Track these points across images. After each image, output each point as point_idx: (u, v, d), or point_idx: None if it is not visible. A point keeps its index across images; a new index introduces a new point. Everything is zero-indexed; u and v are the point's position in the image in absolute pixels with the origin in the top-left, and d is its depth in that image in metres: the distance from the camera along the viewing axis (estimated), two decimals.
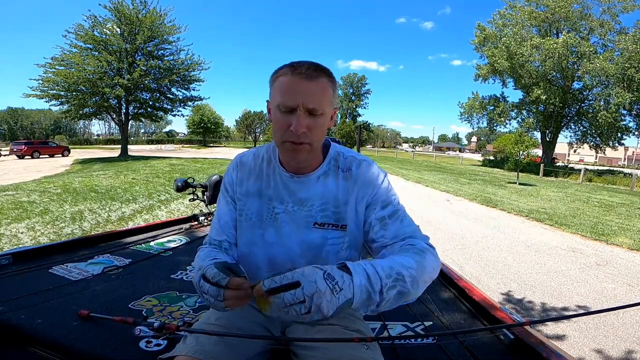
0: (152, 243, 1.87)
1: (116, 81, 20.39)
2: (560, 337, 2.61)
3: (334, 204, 0.90)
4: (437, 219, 6.76)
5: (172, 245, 1.86)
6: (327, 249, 0.90)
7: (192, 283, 1.37)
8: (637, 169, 38.96)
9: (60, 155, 25.57)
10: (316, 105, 0.79)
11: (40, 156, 23.67)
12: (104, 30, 21.25)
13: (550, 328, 2.73)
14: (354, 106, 67.74)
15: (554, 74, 24.01)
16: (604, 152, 26.47)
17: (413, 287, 0.72)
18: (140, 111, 24.31)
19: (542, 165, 21.20)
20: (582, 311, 3.02)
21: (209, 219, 2.40)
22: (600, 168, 27.74)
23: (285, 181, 0.91)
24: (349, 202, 0.90)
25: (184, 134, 78.05)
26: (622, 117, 23.13)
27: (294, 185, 0.91)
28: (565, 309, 3.15)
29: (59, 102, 21.35)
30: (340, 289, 0.63)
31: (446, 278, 1.50)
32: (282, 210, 0.91)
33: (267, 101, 0.88)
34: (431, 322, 1.15)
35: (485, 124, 28.87)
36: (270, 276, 0.64)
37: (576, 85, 24.62)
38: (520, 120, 26.45)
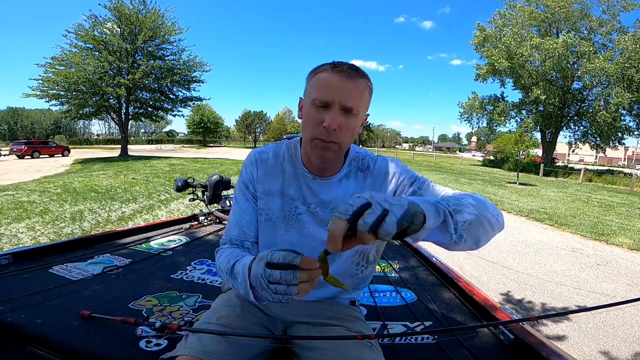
0: (152, 243, 1.87)
1: (117, 81, 20.38)
2: (560, 337, 2.61)
3: None
4: None
5: (172, 245, 1.86)
6: None
7: (192, 283, 1.39)
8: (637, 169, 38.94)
9: (60, 155, 25.54)
10: (353, 104, 0.78)
11: (40, 156, 23.64)
12: (104, 30, 21.25)
13: (550, 328, 2.73)
14: None
15: (554, 74, 24.02)
16: (604, 152, 26.48)
17: (482, 217, 0.69)
18: (140, 111, 24.30)
19: (542, 165, 21.20)
20: (579, 309, 3.03)
21: (209, 218, 2.41)
22: (600, 168, 27.75)
23: (308, 182, 0.90)
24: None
25: (184, 133, 78.15)
26: (622, 117, 23.15)
27: (317, 187, 0.90)
28: (565, 308, 3.15)
29: (59, 102, 21.32)
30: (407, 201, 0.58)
31: (446, 278, 1.50)
32: (305, 211, 0.91)
33: (301, 98, 0.88)
34: (431, 322, 1.15)
35: (485, 124, 28.87)
36: None
37: (576, 85, 24.66)
38: (519, 120, 26.46)
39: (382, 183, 0.90)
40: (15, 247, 3.32)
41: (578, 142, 26.25)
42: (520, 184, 14.34)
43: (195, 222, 2.35)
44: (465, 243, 0.68)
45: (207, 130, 57.67)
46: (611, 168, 30.13)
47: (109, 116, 24.67)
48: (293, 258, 0.60)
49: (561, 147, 38.00)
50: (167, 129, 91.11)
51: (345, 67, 0.79)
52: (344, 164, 0.91)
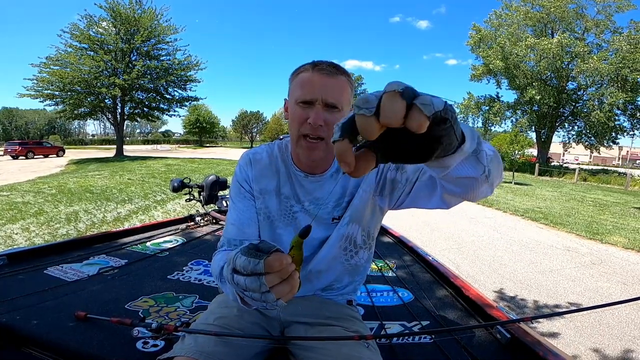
0: (148, 243, 1.86)
1: (112, 81, 20.29)
2: (556, 336, 2.62)
3: (347, 194, 0.92)
4: (433, 219, 6.79)
5: (169, 245, 1.85)
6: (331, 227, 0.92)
7: (189, 283, 1.38)
8: (631, 168, 39.23)
9: (54, 155, 25.34)
10: (335, 100, 0.80)
11: (35, 156, 23.46)
12: (99, 29, 21.14)
13: (546, 326, 2.74)
14: (351, 107, 67.76)
15: (549, 74, 24.16)
16: (598, 152, 26.67)
17: (497, 154, 0.61)
18: (136, 111, 24.22)
19: (537, 164, 21.33)
20: (576, 308, 3.05)
21: (206, 219, 2.40)
22: (595, 167, 27.94)
23: (301, 181, 0.92)
24: (358, 184, 0.91)
25: (180, 134, 77.75)
26: (616, 117, 23.31)
27: (309, 184, 0.92)
28: (560, 307, 3.17)
29: (53, 102, 21.24)
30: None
31: (442, 277, 1.50)
32: (299, 209, 0.92)
33: (285, 99, 0.90)
34: (428, 322, 1.16)
35: (480, 124, 28.99)
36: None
37: (570, 85, 24.80)
38: (515, 120, 26.59)
39: None
40: (9, 248, 3.29)
41: (572, 142, 26.39)
42: (515, 183, 14.42)
43: (192, 223, 2.34)
44: (491, 180, 0.60)
45: (203, 131, 57.40)
46: (606, 167, 30.34)
47: (104, 116, 24.58)
48: (254, 265, 0.51)
49: (556, 146, 38.22)
50: (163, 129, 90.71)
51: (325, 65, 0.81)
52: (333, 159, 0.92)
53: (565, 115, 25.63)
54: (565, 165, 30.07)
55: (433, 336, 1.03)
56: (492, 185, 0.63)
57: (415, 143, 0.40)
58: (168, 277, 1.45)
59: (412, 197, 0.84)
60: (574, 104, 25.08)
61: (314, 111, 0.79)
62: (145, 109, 24.18)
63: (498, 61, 24.13)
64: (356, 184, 0.91)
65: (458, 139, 0.43)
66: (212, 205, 2.52)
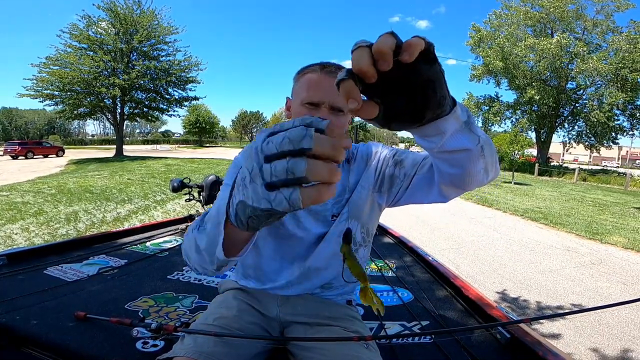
0: (148, 243, 1.86)
1: (112, 81, 20.28)
2: (556, 336, 2.62)
3: (347, 191, 0.92)
4: (433, 218, 6.79)
5: (168, 245, 1.85)
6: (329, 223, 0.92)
7: (189, 284, 1.38)
8: (631, 168, 39.27)
9: (54, 155, 25.30)
10: (342, 104, 0.79)
11: (34, 156, 23.42)
12: (98, 29, 21.15)
13: (546, 327, 2.74)
14: None
15: (548, 74, 24.15)
16: (598, 152, 26.67)
17: (490, 141, 0.62)
18: (135, 111, 24.20)
19: (537, 164, 21.34)
20: (577, 309, 3.05)
21: None
22: (594, 167, 27.95)
23: None
24: (357, 181, 0.92)
25: (180, 134, 77.70)
26: (616, 117, 23.31)
27: None
28: (560, 307, 3.17)
29: (53, 102, 21.21)
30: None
31: (442, 277, 1.50)
32: None
33: (288, 98, 0.89)
34: (428, 322, 1.16)
35: (480, 124, 28.92)
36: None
37: (570, 85, 24.79)
38: (514, 120, 26.58)
39: (366, 163, 0.93)
40: (9, 248, 3.29)
41: (572, 142, 26.39)
42: (515, 183, 14.42)
43: (192, 223, 2.33)
44: (486, 157, 0.60)
45: (203, 131, 57.33)
46: (606, 167, 30.34)
47: (104, 116, 24.57)
48: (302, 134, 0.37)
49: (556, 146, 38.24)
50: (163, 129, 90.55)
51: (333, 68, 0.80)
52: None
53: (565, 115, 25.63)
54: (565, 165, 30.08)
55: (433, 336, 1.03)
56: (486, 168, 0.63)
57: (411, 90, 0.42)
58: (168, 277, 1.45)
59: (410, 192, 0.84)
60: (573, 104, 25.08)
61: (319, 113, 0.79)
62: (145, 109, 24.15)
63: (498, 61, 24.12)
64: (355, 181, 0.92)
65: (450, 95, 0.47)
66: (212, 205, 2.52)
